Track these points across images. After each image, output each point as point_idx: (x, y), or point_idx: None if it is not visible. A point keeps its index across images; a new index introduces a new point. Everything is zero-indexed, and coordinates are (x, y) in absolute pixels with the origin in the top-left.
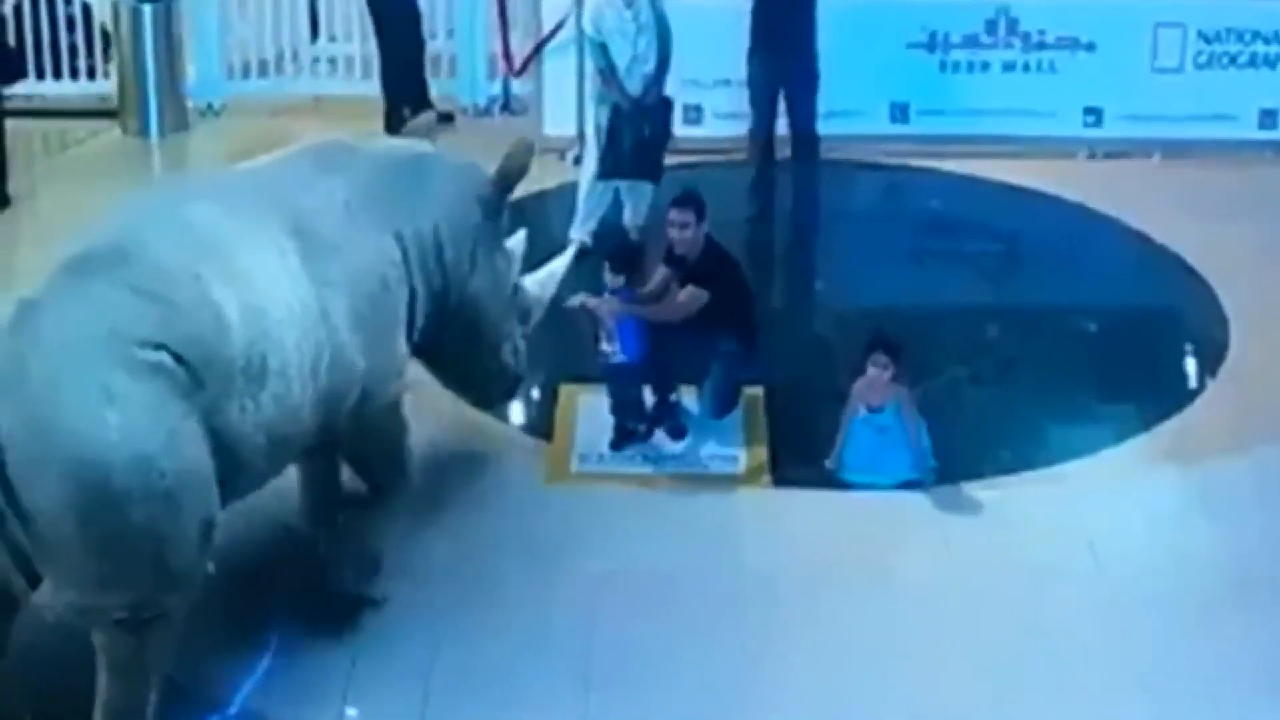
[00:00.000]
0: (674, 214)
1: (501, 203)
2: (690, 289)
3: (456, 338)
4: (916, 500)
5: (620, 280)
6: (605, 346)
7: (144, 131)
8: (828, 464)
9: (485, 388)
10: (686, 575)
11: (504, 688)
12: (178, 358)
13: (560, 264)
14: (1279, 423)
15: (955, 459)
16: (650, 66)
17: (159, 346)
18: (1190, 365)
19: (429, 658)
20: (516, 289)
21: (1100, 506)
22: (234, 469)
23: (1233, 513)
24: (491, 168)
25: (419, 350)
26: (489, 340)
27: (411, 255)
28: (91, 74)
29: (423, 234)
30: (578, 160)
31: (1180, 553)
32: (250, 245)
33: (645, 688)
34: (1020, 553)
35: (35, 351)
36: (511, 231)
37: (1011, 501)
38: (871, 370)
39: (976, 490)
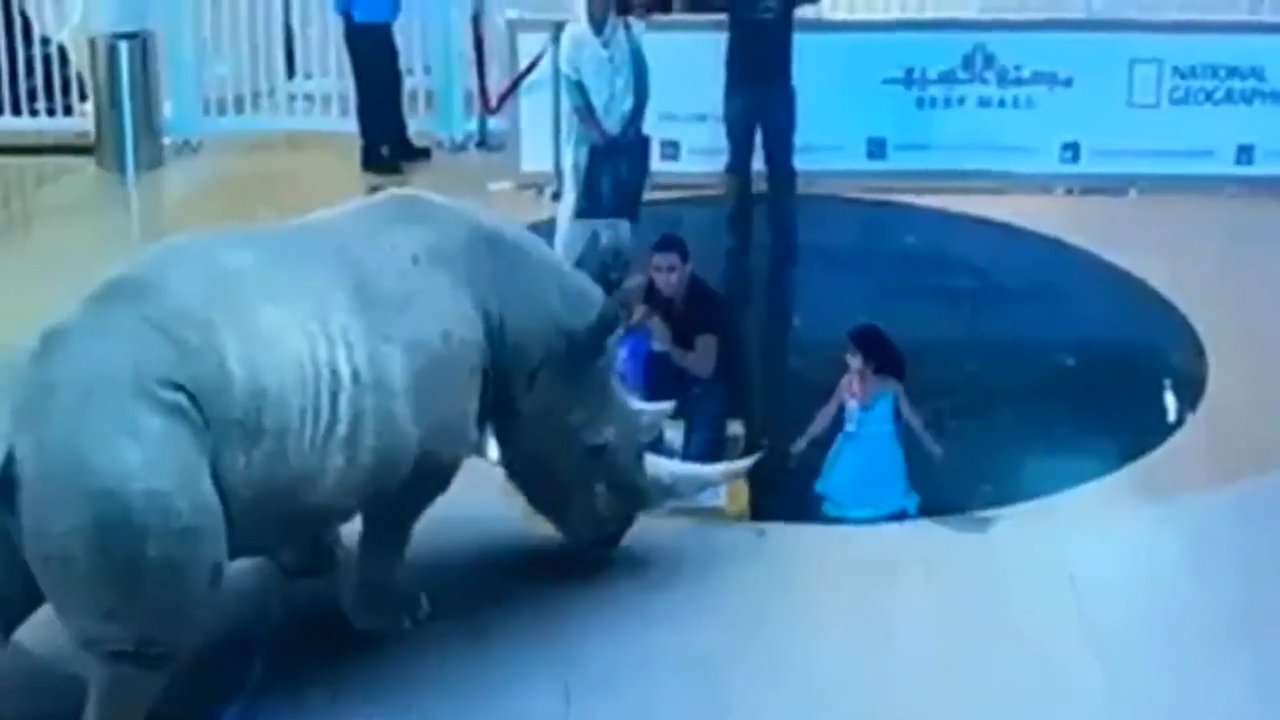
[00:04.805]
0: (657, 258)
1: (597, 348)
2: (703, 339)
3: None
4: (898, 533)
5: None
6: None
7: (120, 168)
8: (817, 487)
9: (563, 525)
10: (665, 608)
11: (486, 712)
12: (191, 397)
13: (717, 471)
14: (1259, 455)
15: (936, 492)
16: (627, 105)
17: (177, 386)
18: (1169, 399)
19: (410, 688)
20: (605, 447)
21: (1083, 540)
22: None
23: (1215, 546)
24: (468, 201)
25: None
26: (553, 479)
27: (492, 320)
28: (68, 111)
29: (490, 310)
30: (556, 196)
31: (1163, 587)
32: (279, 301)
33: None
34: (1002, 587)
35: (61, 382)
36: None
37: (993, 535)
38: (852, 364)
39: (957, 524)
